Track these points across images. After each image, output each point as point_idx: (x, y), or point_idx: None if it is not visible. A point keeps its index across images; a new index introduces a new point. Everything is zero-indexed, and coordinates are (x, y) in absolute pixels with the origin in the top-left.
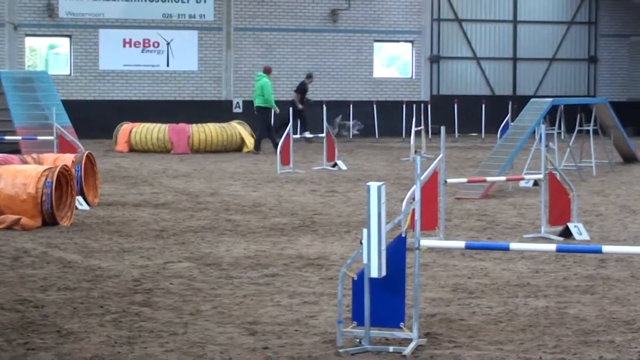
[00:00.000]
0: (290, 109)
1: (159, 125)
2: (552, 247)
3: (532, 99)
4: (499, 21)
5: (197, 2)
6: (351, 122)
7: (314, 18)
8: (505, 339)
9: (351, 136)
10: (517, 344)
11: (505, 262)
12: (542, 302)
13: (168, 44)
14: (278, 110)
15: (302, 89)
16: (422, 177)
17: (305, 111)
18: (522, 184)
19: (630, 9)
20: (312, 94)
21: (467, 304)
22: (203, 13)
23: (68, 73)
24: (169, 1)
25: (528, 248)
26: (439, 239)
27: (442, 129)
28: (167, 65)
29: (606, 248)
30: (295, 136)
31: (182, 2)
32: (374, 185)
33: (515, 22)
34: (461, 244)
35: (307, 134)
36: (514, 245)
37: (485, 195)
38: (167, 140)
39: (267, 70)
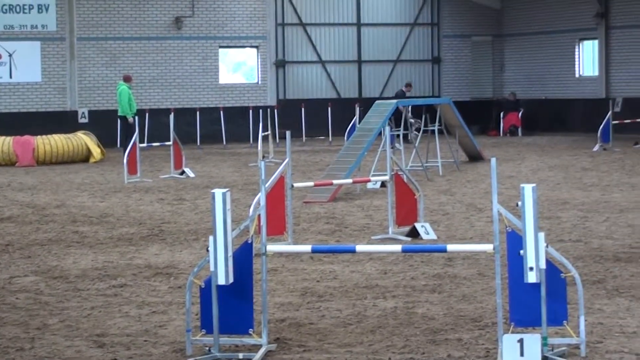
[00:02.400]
0: (137, 118)
1: (2, 137)
2: (398, 247)
3: (377, 101)
4: (342, 24)
5: (39, 12)
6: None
7: (158, 26)
8: (354, 341)
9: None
10: (366, 346)
11: (353, 264)
12: (390, 302)
13: (10, 55)
14: (131, 120)
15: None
16: (268, 182)
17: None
18: (369, 185)
19: (472, 10)
20: (158, 102)
21: (317, 308)
22: (45, 23)
23: None
24: (10, 12)
25: (374, 250)
26: (287, 244)
27: (288, 133)
28: (10, 77)
29: (451, 247)
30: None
31: (24, 12)
32: (218, 192)
33: (359, 25)
34: (307, 248)
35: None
36: (360, 248)
37: (333, 198)
38: (12, 152)
39: (127, 79)
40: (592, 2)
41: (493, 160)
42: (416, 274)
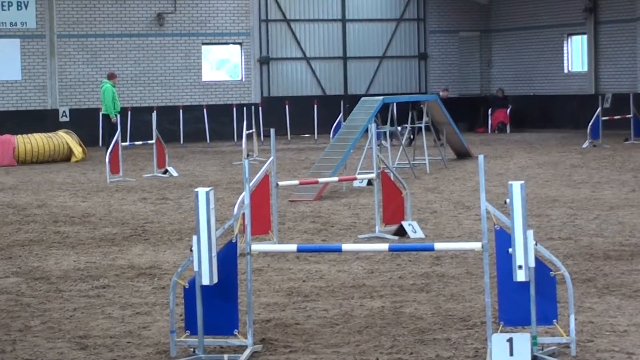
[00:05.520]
0: (119, 116)
1: None
2: (384, 246)
3: (363, 98)
4: (327, 20)
5: (18, 9)
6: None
7: (139, 22)
8: (341, 342)
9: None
10: (353, 346)
11: (340, 263)
12: (377, 302)
13: None
14: (114, 119)
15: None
16: (252, 181)
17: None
18: (355, 183)
19: (459, 5)
20: (141, 100)
21: (303, 308)
22: (25, 20)
23: None
24: None
25: (361, 249)
26: (272, 243)
27: (272, 131)
28: None
29: (439, 245)
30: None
31: (3, 9)
32: (202, 191)
33: (344, 20)
34: (293, 247)
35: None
36: (346, 247)
37: (319, 197)
38: None
39: (111, 77)
40: None
41: (480, 157)
42: (404, 273)
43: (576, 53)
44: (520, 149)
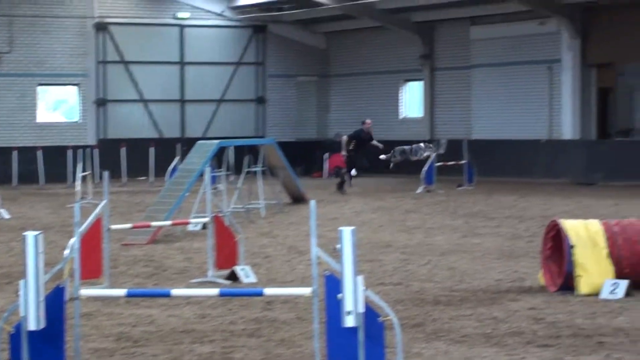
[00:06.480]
0: None
1: None
2: (215, 291)
3: (199, 141)
4: (165, 63)
5: None
6: (416, 146)
7: None
8: None
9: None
10: None
11: (171, 308)
12: (207, 347)
13: None
14: None
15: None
16: (84, 225)
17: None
18: (190, 227)
19: (297, 50)
20: None
21: (132, 354)
22: None
23: None
24: None
25: (191, 293)
26: (103, 287)
27: (106, 174)
28: None
29: (268, 290)
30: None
31: None
32: (30, 235)
33: (182, 63)
34: (122, 292)
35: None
36: (175, 291)
37: (152, 240)
38: None
39: None
40: (417, 43)
41: (312, 202)
42: (235, 318)
43: (413, 99)
44: (356, 194)
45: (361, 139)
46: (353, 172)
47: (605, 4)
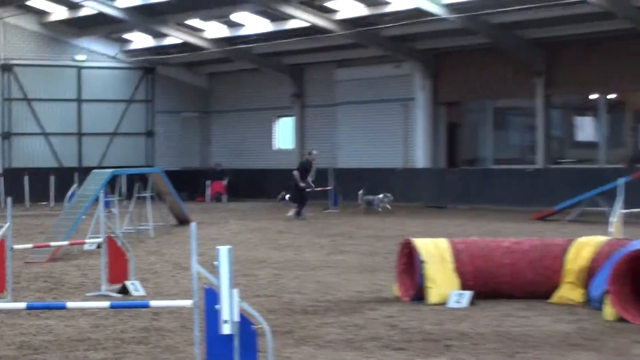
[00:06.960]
0: None
1: None
2: (106, 304)
3: (94, 170)
4: (65, 100)
5: None
6: (378, 196)
7: None
8: None
9: (380, 209)
10: None
11: (68, 319)
12: (100, 354)
13: None
14: None
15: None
16: None
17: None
18: (86, 247)
19: (182, 89)
20: None
21: None
22: None
23: None
24: None
25: (84, 305)
26: (6, 301)
27: (9, 199)
28: None
29: (154, 302)
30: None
31: None
32: None
33: (79, 100)
34: (23, 305)
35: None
36: (71, 304)
37: (52, 259)
38: None
39: None
40: (289, 84)
41: (193, 224)
42: (125, 327)
43: (285, 132)
44: (235, 217)
45: (305, 169)
46: (287, 196)
47: (453, 49)
